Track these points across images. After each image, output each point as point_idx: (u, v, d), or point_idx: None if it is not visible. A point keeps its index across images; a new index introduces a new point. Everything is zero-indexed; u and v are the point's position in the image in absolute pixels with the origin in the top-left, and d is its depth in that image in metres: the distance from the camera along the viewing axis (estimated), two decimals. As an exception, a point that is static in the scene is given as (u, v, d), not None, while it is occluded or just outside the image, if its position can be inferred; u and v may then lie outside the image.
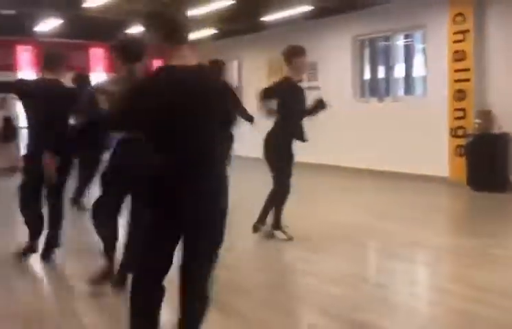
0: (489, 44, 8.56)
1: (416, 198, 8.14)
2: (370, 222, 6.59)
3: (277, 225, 5.74)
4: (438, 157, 9.05)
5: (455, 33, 8.78)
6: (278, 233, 5.75)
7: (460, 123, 8.80)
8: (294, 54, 5.54)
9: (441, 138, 9.00)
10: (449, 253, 5.45)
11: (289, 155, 5.65)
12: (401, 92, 10.59)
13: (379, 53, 11.13)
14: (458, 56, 8.75)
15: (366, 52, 11.21)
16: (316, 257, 5.25)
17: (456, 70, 8.80)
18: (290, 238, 5.65)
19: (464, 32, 8.66)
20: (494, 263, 4.98)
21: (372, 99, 10.87)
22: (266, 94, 5.61)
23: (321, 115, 5.84)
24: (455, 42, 8.79)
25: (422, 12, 9.43)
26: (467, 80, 8.65)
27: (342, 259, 5.20)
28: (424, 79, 9.89)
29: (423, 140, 9.26)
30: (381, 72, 11.08)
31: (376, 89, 11.05)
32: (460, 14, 8.70)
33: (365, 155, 10.24)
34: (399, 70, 10.67)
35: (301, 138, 5.63)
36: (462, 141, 8.71)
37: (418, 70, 10.41)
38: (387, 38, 10.60)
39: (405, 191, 8.72)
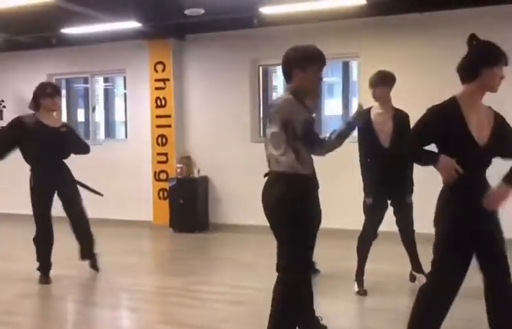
0: (188, 93, 9.11)
1: (120, 243, 7.99)
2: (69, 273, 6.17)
3: None
4: (142, 201, 9.08)
5: (156, 80, 9.06)
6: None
7: (163, 167, 9.06)
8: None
9: (145, 182, 9.09)
10: (156, 295, 5.55)
11: None
12: (101, 135, 10.35)
13: (77, 95, 10.70)
14: (160, 103, 9.05)
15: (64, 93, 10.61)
16: None
17: (158, 116, 9.07)
18: None
19: (164, 80, 9.01)
20: (200, 300, 5.16)
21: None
22: None
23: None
24: (156, 89, 9.06)
25: (122, 57, 9.44)
26: (169, 126, 9.00)
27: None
28: (125, 123, 9.89)
29: (127, 184, 9.17)
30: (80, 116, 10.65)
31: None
32: (160, 63, 9.03)
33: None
34: (100, 114, 10.45)
35: None
36: (165, 185, 8.97)
37: (119, 114, 10.40)
38: (86, 80, 10.26)
39: (109, 237, 8.43)
